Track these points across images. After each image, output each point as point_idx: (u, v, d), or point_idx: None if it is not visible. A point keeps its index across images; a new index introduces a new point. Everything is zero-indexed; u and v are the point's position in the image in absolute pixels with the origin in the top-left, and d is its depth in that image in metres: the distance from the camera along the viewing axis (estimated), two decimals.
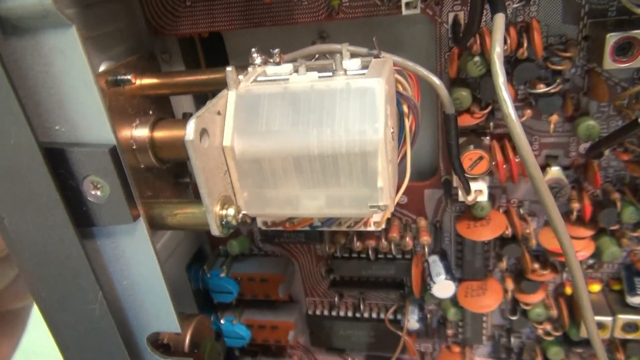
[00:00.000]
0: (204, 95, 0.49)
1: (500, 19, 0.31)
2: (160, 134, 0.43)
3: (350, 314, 0.58)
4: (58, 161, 0.30)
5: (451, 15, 0.41)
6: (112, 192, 0.30)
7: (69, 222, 0.31)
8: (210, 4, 0.44)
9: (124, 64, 0.42)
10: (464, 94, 0.41)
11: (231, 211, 0.33)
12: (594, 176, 0.43)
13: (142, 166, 0.43)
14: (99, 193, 0.31)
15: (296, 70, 0.36)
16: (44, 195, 0.30)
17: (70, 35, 0.27)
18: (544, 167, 0.44)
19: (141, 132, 0.42)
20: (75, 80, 0.28)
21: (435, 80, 0.36)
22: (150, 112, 0.45)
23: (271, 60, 0.39)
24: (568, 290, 0.50)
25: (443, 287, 0.49)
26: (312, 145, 0.32)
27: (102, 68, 0.40)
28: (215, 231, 0.33)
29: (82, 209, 0.31)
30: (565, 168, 0.45)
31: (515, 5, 0.38)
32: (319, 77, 0.34)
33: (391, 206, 0.34)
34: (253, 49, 0.38)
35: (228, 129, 0.34)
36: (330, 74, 0.35)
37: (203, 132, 0.31)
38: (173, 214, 0.35)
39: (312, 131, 0.32)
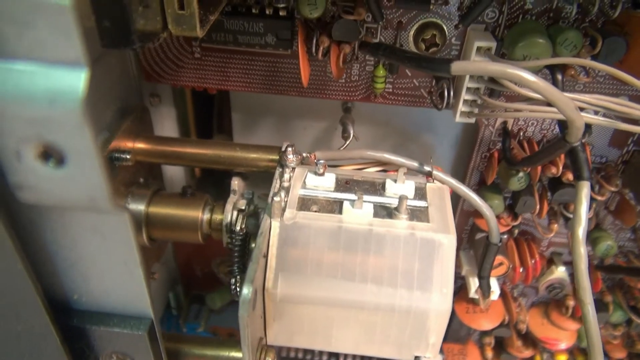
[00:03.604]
0: None
1: (585, 189, 0.28)
2: (159, 210, 0.36)
3: (325, 358, 0.58)
4: (75, 337, 0.24)
5: (499, 121, 0.38)
6: None
7: None
8: (226, 61, 0.37)
9: (120, 135, 0.34)
10: (497, 202, 0.39)
11: None
12: (595, 281, 0.44)
13: None
14: None
15: (340, 187, 0.32)
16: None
17: (122, 222, 0.20)
18: (550, 264, 0.45)
19: (135, 208, 0.36)
20: (113, 261, 0.22)
21: (487, 212, 0.34)
22: (141, 180, 0.38)
23: (304, 155, 0.34)
24: (538, 359, 0.54)
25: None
26: (368, 303, 0.29)
27: None
28: None
29: None
30: (566, 263, 0.46)
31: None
32: (375, 206, 0.30)
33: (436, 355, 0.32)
34: (289, 149, 0.33)
35: (270, 269, 0.29)
36: (384, 200, 0.31)
37: (254, 295, 0.26)
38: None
39: (369, 288, 0.29)
